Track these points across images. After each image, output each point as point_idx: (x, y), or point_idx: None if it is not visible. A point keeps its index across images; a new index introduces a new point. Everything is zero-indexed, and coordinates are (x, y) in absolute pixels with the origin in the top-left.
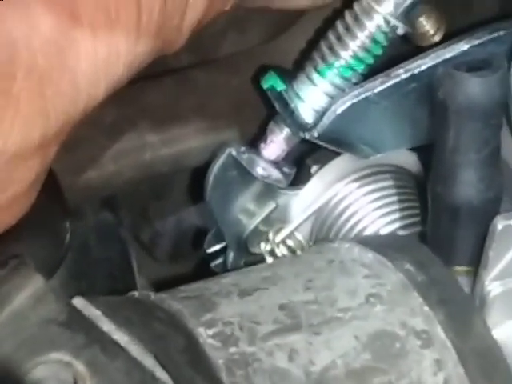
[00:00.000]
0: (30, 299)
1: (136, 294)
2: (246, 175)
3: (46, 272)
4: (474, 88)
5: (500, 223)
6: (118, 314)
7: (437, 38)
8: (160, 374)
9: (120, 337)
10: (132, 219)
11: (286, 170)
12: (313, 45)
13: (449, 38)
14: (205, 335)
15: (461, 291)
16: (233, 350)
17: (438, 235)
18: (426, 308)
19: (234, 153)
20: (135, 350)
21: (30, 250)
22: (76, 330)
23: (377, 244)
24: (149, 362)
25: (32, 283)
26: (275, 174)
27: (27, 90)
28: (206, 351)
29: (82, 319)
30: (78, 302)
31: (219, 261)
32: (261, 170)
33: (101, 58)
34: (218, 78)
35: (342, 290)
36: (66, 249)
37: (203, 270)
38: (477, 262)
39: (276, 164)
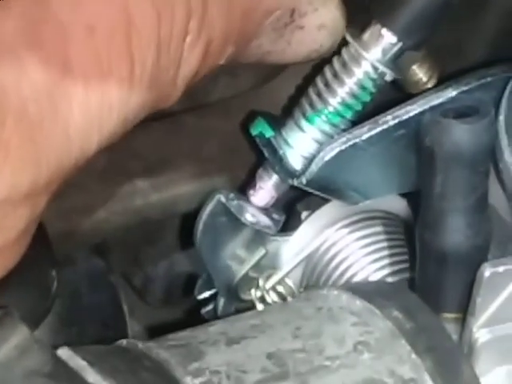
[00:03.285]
0: (14, 350)
1: (124, 342)
2: (235, 222)
3: (33, 321)
4: (461, 135)
5: (487, 270)
6: (104, 363)
7: (430, 85)
8: None
9: None
10: (123, 264)
11: (275, 216)
12: (302, 91)
13: (439, 83)
14: None
15: (449, 339)
16: None
17: (426, 282)
18: (414, 356)
19: (223, 199)
20: None
21: (15, 299)
22: (60, 381)
23: (365, 291)
24: None
25: (17, 334)
26: (264, 220)
27: (17, 136)
28: None
29: (67, 371)
30: (64, 352)
31: (210, 307)
32: (250, 216)
33: (94, 109)
34: (209, 122)
35: (329, 337)
36: (53, 298)
37: (195, 315)
38: (465, 308)
39: (265, 210)
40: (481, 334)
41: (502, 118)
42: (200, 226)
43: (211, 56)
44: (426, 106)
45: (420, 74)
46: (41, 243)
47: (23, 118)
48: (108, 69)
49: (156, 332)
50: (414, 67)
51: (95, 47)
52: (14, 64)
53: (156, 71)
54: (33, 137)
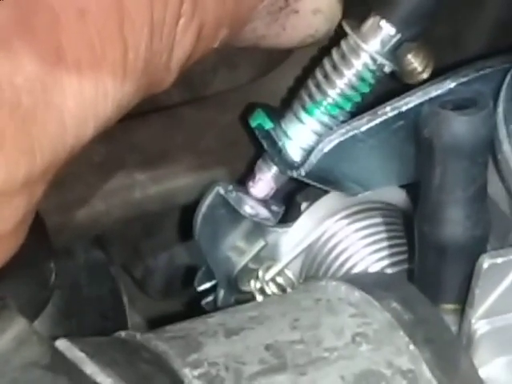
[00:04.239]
0: (12, 342)
1: (122, 333)
2: (234, 213)
3: (30, 313)
4: (460, 127)
5: (486, 262)
6: (103, 355)
7: (425, 76)
8: None
9: (103, 379)
10: (123, 256)
11: (274, 208)
12: (301, 82)
13: (437, 74)
14: (190, 376)
15: (447, 330)
16: None
17: (424, 273)
18: (412, 347)
19: (221, 191)
20: None
21: (13, 290)
22: (58, 373)
23: (364, 282)
24: None
25: (14, 326)
26: (263, 212)
27: (12, 127)
28: None
29: (65, 362)
30: (62, 343)
31: (210, 298)
32: (249, 208)
33: (88, 97)
34: (208, 115)
35: (328, 329)
36: (51, 289)
37: (195, 306)
38: (464, 300)
39: (264, 202)
40: (479, 325)
41: (500, 109)
42: (199, 218)
43: (205, 39)
44: (425, 98)
45: (415, 63)
46: (38, 235)
47: (17, 109)
48: (101, 54)
49: (156, 323)
50: (410, 56)
51: (87, 32)
52: (7, 55)
53: (149, 55)
54: (27, 127)
